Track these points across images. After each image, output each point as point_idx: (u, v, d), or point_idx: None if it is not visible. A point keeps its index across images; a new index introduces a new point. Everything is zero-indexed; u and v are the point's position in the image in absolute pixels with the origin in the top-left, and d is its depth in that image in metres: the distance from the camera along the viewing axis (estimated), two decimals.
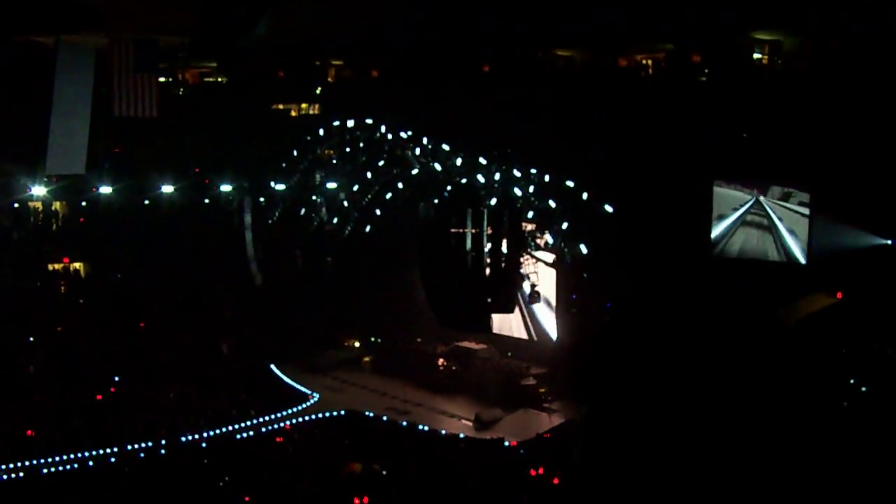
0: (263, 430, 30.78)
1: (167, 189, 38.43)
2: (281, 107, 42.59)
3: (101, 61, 25.16)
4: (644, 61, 34.11)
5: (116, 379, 34.73)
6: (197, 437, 29.62)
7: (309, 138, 37.63)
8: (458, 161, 32.99)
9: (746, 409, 27.04)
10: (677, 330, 30.52)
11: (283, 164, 37.82)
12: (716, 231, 30.31)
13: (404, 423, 31.35)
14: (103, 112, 25.89)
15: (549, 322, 36.64)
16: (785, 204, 28.45)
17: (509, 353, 37.05)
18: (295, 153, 37.78)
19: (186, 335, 39.31)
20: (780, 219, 28.76)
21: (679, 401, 28.63)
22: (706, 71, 31.69)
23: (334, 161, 37.60)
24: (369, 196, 36.32)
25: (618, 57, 34.12)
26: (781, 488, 22.09)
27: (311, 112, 42.34)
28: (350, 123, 36.56)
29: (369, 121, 36.31)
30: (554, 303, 35.92)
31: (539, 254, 33.26)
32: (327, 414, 32.56)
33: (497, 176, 31.91)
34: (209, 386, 34.71)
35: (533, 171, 31.54)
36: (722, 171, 29.72)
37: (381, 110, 36.05)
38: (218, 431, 30.22)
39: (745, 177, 29.48)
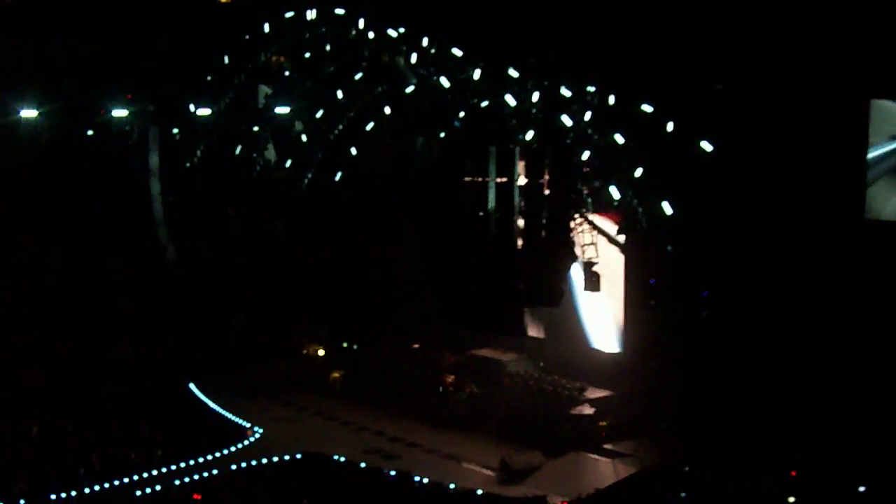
0: (176, 482, 30.20)
1: (28, 114, 37.79)
2: None
3: None
4: None
5: None
6: (74, 493, 28.93)
7: (248, 38, 37.35)
8: (477, 73, 32.70)
9: None
10: (813, 332, 30.18)
11: (209, 78, 37.58)
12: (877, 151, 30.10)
13: (393, 473, 30.94)
14: None
15: (602, 318, 36.42)
16: None
17: (541, 364, 37.00)
18: (226, 61, 37.49)
19: (61, 339, 39.11)
20: None
21: (821, 436, 28.64)
22: None
23: (287, 73, 37.45)
24: (340, 127, 36.21)
25: None
26: None
27: None
28: (311, 15, 36.29)
29: (340, 11, 36.05)
30: (622, 290, 35.43)
31: (599, 218, 33.28)
32: (275, 458, 32.22)
33: (535, 96, 31.68)
34: (94, 416, 34.31)
35: (590, 88, 31.39)
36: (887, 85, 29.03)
37: None
38: (107, 485, 29.55)
39: None
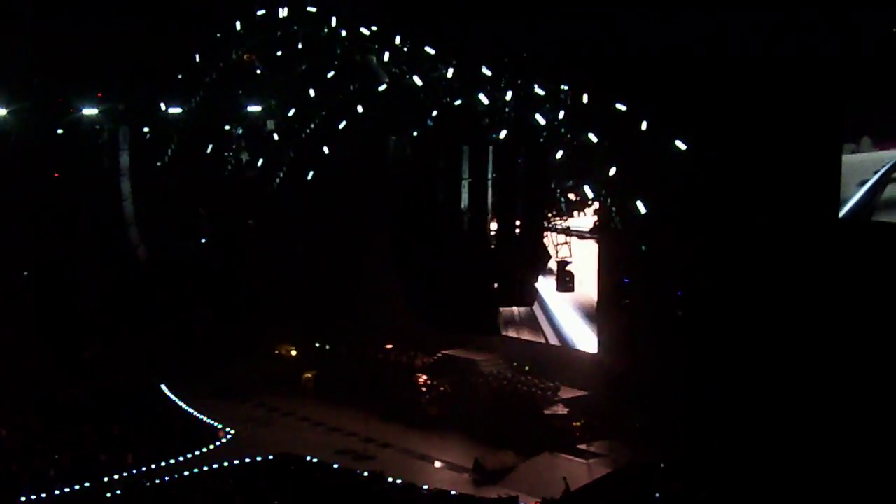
0: (147, 483, 30.02)
1: None
2: None
3: None
4: None
5: None
6: (44, 495, 28.82)
7: (219, 35, 37.00)
8: (450, 72, 32.55)
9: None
10: (788, 331, 30.08)
11: (180, 76, 37.22)
12: (856, 196, 30.29)
13: (366, 474, 30.83)
14: None
15: (582, 320, 36.34)
16: None
17: (526, 367, 36.89)
18: (198, 58, 37.14)
19: (29, 338, 38.81)
20: None
21: (797, 438, 28.54)
22: None
23: (258, 71, 37.11)
24: (312, 126, 35.90)
25: None
26: None
27: None
28: (283, 13, 36.08)
29: (312, 9, 35.90)
30: (595, 291, 35.49)
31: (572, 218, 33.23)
32: (248, 460, 32.06)
33: (508, 95, 31.52)
34: (64, 416, 34.21)
35: (563, 87, 31.18)
36: (860, 86, 28.91)
37: None
38: (77, 487, 29.41)
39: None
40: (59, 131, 37.62)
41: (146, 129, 37.59)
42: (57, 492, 29.16)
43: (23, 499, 28.55)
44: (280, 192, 37.07)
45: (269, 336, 41.69)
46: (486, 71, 31.91)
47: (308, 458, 32.21)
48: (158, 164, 37.71)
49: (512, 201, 31.27)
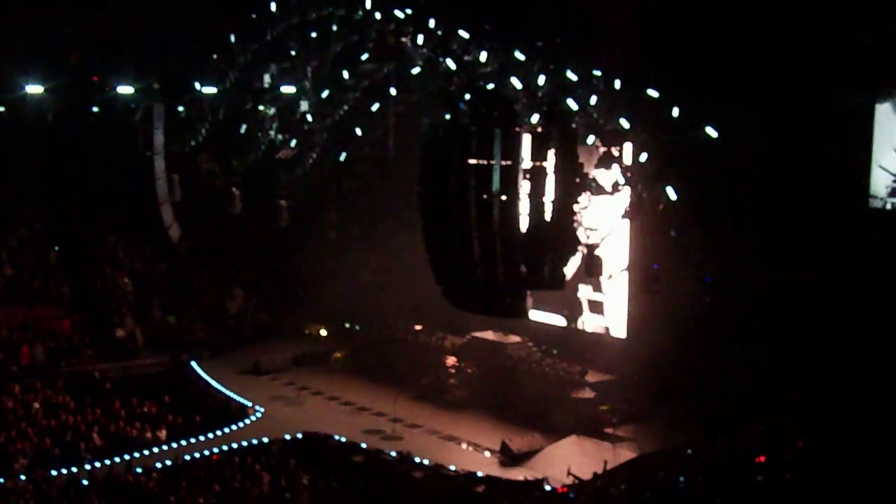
0: (178, 460, 30.16)
1: (34, 90, 37.19)
2: None
3: None
4: None
5: None
6: (76, 470, 29.03)
7: (254, 16, 36.61)
8: (483, 56, 32.25)
9: None
10: (817, 318, 29.79)
11: (215, 56, 36.91)
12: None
13: (394, 454, 31.10)
14: None
15: (615, 304, 36.06)
16: None
17: (554, 351, 36.82)
18: (232, 39, 36.81)
19: (62, 315, 39.14)
20: None
21: (824, 429, 28.27)
22: None
23: (292, 53, 36.71)
24: (346, 107, 35.75)
25: None
26: None
27: None
28: None
29: None
30: (626, 275, 35.22)
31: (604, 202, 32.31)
32: (276, 438, 32.26)
33: (542, 80, 31.20)
34: (96, 393, 34.43)
35: (596, 72, 30.76)
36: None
37: None
38: (108, 462, 29.65)
39: None
40: (95, 109, 37.80)
41: (181, 109, 37.56)
42: (87, 466, 29.36)
43: (55, 474, 28.72)
44: (312, 172, 36.98)
45: (300, 316, 41.73)
46: (519, 55, 31.55)
47: (336, 438, 32.33)
48: (192, 143, 37.67)
49: (543, 186, 30.92)
